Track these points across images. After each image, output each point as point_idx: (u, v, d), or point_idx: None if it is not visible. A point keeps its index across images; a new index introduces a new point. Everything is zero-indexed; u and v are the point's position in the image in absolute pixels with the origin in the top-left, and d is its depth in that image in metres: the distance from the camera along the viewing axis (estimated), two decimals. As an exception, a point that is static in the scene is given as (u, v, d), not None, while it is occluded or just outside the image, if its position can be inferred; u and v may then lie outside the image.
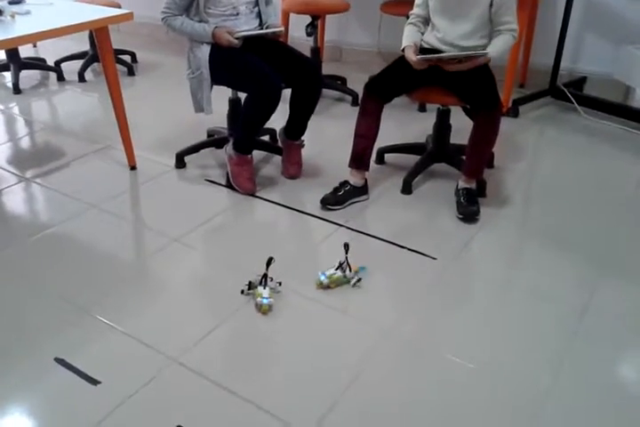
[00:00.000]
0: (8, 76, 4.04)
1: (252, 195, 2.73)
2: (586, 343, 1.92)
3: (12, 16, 2.49)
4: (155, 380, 1.76)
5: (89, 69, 4.18)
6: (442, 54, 2.50)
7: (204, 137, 3.14)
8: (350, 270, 2.15)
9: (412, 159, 2.88)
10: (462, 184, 2.62)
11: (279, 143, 2.97)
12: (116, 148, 3.04)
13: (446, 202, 2.65)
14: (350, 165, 2.67)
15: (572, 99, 3.62)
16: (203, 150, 3.02)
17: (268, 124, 2.74)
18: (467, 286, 2.23)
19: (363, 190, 2.69)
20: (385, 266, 2.30)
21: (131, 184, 2.86)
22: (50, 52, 4.36)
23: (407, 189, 2.75)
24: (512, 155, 3.13)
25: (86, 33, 4.03)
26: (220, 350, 1.90)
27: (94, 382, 1.75)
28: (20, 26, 2.44)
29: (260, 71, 2.53)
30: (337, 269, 2.15)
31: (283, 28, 2.75)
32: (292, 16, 3.71)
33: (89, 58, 4.16)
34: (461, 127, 2.70)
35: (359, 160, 2.66)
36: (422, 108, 3.63)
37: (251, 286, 2.08)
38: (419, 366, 1.85)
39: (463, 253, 2.36)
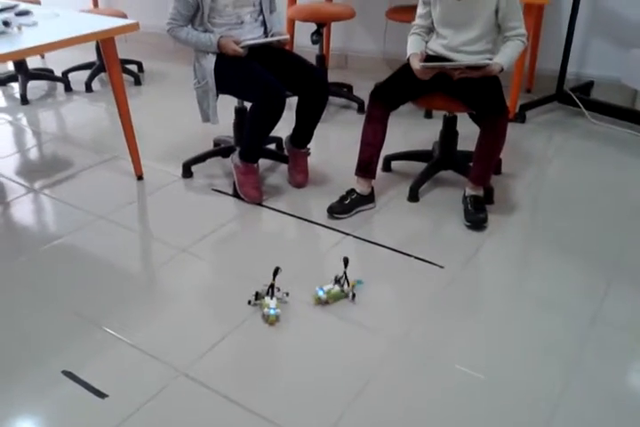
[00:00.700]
0: (16, 86, 4.06)
1: (259, 204, 2.73)
2: (596, 353, 1.90)
3: (20, 28, 2.50)
4: (162, 392, 1.76)
5: (96, 79, 4.20)
6: (444, 63, 2.50)
7: (210, 146, 3.15)
8: (348, 285, 2.12)
9: (419, 166, 2.87)
10: (469, 191, 2.61)
11: (285, 151, 2.96)
12: (124, 158, 3.05)
13: (454, 209, 2.64)
14: (357, 173, 2.67)
15: (580, 103, 3.60)
16: (209, 159, 3.02)
17: (274, 133, 2.74)
18: (475, 295, 2.21)
19: (369, 198, 2.68)
20: (392, 275, 2.29)
21: (138, 194, 2.87)
22: (57, 62, 4.39)
23: (414, 196, 2.74)
24: (520, 161, 3.11)
25: (93, 43, 4.05)
26: (228, 362, 1.89)
27: (102, 395, 1.74)
28: (28, 37, 2.46)
29: (264, 80, 2.54)
30: (335, 283, 2.12)
31: (288, 36, 2.75)
32: (298, 24, 3.72)
33: (96, 68, 4.18)
34: (468, 134, 2.69)
35: (365, 168, 2.65)
36: (429, 115, 3.62)
37: (258, 296, 2.07)
38: (427, 376, 1.83)
39: (471, 261, 2.35)
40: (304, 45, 3.73)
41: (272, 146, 3.14)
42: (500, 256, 2.39)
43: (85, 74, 4.16)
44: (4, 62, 3.87)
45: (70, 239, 2.49)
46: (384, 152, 2.74)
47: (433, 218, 2.64)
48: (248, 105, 2.68)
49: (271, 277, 2.06)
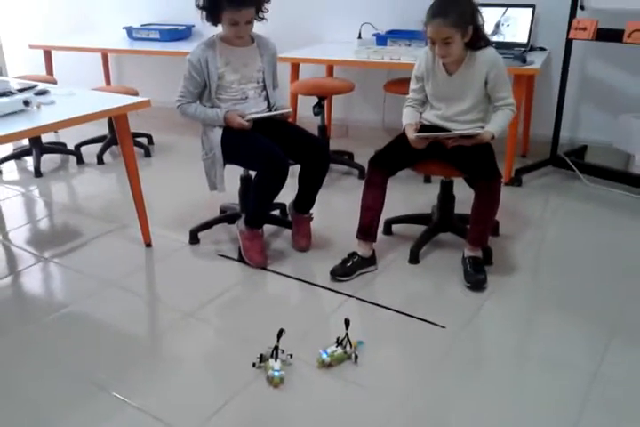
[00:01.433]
0: (30, 160, 4.23)
1: (264, 268, 2.80)
2: (598, 411, 1.91)
3: (39, 106, 2.66)
4: (167, 456, 1.77)
5: (107, 152, 4.36)
6: (437, 133, 2.62)
7: (217, 214, 3.25)
8: (351, 346, 2.16)
9: (419, 229, 2.95)
10: (468, 253, 2.68)
11: (289, 217, 3.06)
12: (132, 226, 3.14)
13: (454, 271, 2.70)
14: (358, 237, 2.75)
15: (574, 167, 3.71)
16: (216, 226, 3.12)
17: (278, 199, 2.84)
18: (477, 355, 2.24)
19: (371, 261, 2.74)
20: (394, 335, 2.32)
21: (146, 261, 2.94)
22: (70, 135, 4.56)
23: (414, 258, 2.81)
24: (517, 223, 3.19)
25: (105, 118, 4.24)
26: (233, 425, 1.90)
27: (108, 459, 1.76)
28: (46, 115, 2.61)
29: (268, 150, 2.66)
30: (337, 345, 2.16)
31: (291, 110, 2.90)
32: (300, 97, 3.90)
33: (107, 141, 4.35)
34: (465, 198, 2.78)
35: (366, 231, 2.73)
36: (427, 180, 3.74)
37: (262, 358, 2.11)
38: (431, 436, 1.84)
39: (472, 321, 2.39)
40: (306, 117, 3.90)
41: (276, 212, 3.24)
42: (501, 316, 2.43)
43: (97, 147, 4.33)
44: (22, 138, 4.05)
45: (79, 307, 2.54)
46: (385, 216, 2.83)
47: (433, 279, 2.70)
48: (253, 174, 2.80)
49: (275, 339, 2.10)
